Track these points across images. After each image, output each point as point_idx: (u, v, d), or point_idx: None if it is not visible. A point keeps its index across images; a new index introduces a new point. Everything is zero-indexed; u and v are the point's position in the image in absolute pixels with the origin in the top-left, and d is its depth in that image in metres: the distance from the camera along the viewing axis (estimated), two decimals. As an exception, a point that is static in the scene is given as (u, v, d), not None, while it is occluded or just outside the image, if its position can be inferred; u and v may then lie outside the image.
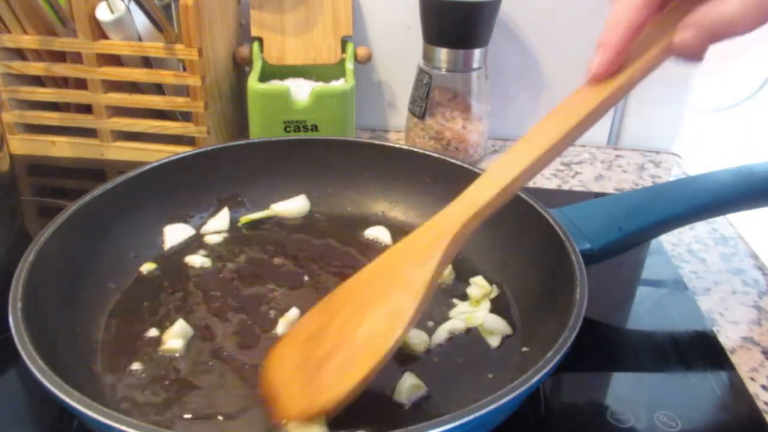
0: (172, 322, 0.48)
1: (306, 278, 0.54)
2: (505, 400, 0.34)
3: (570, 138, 0.42)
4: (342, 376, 0.38)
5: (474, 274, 0.54)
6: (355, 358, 0.39)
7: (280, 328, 0.48)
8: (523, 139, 0.42)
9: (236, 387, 0.43)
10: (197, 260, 0.55)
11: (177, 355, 0.45)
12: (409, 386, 0.42)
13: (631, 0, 0.38)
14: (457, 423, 0.32)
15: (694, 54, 0.38)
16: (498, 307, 0.51)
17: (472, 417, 0.33)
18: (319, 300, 0.45)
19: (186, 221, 0.58)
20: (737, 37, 0.37)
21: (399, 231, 0.60)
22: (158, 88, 0.74)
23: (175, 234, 0.57)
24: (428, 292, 0.40)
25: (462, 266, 0.55)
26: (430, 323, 0.49)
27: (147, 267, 0.54)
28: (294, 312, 0.49)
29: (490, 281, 0.53)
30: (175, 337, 0.46)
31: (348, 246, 0.58)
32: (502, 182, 0.41)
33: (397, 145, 0.62)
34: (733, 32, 0.36)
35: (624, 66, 0.40)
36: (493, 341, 0.48)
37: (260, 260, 0.56)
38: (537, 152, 0.41)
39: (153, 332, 0.47)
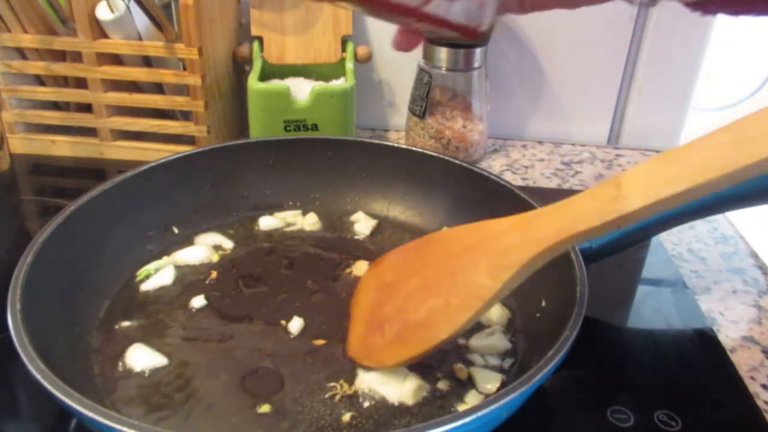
0: (172, 323, 0.48)
1: (308, 282, 0.53)
2: (506, 399, 0.34)
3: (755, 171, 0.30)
4: (389, 350, 0.41)
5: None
6: (405, 338, 0.40)
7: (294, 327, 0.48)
8: (685, 152, 0.31)
9: (235, 391, 0.43)
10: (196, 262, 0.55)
11: (177, 356, 0.45)
12: (414, 387, 0.42)
13: None
14: (458, 423, 0.32)
15: None
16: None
17: (473, 417, 0.33)
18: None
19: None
20: None
21: (397, 230, 0.60)
22: (158, 88, 0.74)
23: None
24: (490, 303, 0.37)
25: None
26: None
27: (147, 267, 0.54)
28: (297, 322, 0.48)
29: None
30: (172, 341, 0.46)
31: (343, 245, 0.58)
32: (625, 207, 0.32)
33: (397, 145, 0.62)
34: None
35: None
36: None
37: (261, 261, 0.56)
38: (703, 177, 0.30)
39: (153, 333, 0.47)
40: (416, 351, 0.39)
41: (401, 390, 0.42)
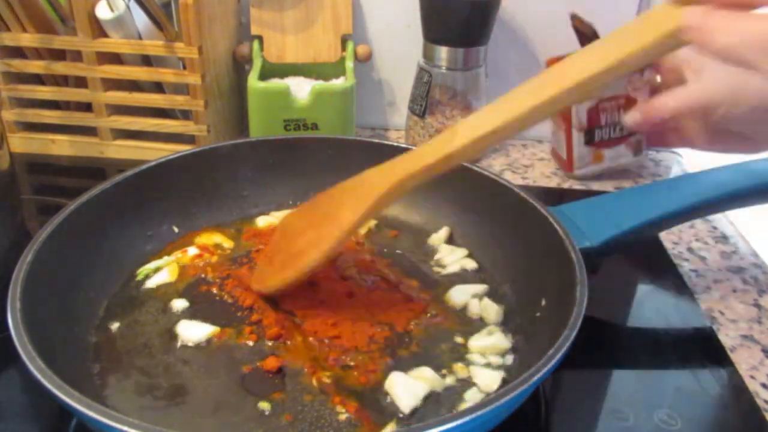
0: (172, 323, 0.48)
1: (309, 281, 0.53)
2: (505, 398, 0.34)
3: (549, 108, 0.39)
4: (274, 276, 0.49)
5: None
6: (286, 266, 0.48)
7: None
8: (505, 98, 0.40)
9: (235, 390, 0.43)
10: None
11: (177, 355, 0.46)
12: (418, 386, 0.43)
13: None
14: (458, 422, 0.32)
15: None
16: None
17: (473, 416, 0.33)
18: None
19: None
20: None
21: (397, 230, 0.60)
22: (158, 87, 0.74)
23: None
24: (349, 232, 0.46)
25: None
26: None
27: (147, 266, 0.54)
28: (299, 321, 0.49)
29: (489, 279, 0.54)
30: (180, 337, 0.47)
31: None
32: (450, 148, 0.42)
33: (397, 144, 0.62)
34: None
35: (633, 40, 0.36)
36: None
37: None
38: (511, 114, 0.39)
39: (153, 332, 0.47)
40: (293, 275, 0.47)
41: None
